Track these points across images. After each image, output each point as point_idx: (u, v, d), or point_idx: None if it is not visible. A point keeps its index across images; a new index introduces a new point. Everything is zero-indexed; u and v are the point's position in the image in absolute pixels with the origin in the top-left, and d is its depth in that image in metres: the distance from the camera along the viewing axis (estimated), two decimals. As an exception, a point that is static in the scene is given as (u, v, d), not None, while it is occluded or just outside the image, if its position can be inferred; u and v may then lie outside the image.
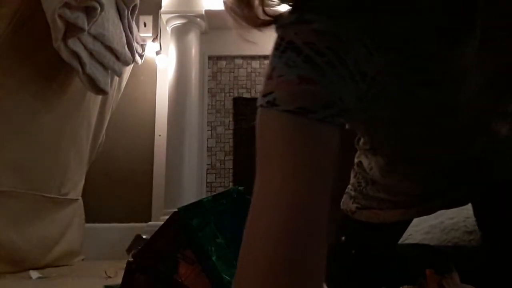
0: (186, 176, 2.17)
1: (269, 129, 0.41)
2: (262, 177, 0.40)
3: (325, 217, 0.40)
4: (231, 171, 2.37)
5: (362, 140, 0.72)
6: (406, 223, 0.83)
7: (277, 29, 0.46)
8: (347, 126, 0.60)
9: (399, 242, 0.91)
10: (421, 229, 1.00)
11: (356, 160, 0.81)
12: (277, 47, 0.44)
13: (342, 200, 0.85)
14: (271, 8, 0.48)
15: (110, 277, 1.27)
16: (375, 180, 0.76)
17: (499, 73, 0.51)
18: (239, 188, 1.23)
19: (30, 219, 1.56)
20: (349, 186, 0.84)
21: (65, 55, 1.45)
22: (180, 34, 2.31)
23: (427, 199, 0.74)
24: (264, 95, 0.42)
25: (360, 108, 0.46)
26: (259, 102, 0.43)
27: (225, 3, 0.50)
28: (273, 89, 0.42)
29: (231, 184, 2.34)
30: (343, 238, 0.82)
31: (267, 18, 0.48)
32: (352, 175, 0.83)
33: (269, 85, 0.42)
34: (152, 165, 2.34)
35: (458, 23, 0.44)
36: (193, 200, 0.77)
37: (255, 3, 0.48)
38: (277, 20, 0.47)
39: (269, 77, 0.43)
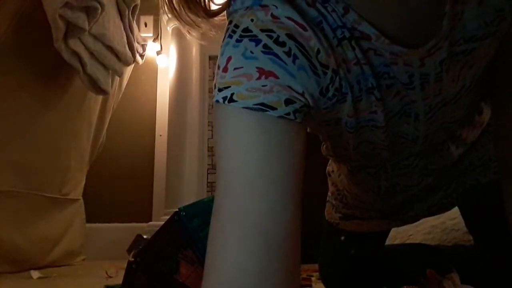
0: (186, 176, 2.17)
1: (227, 128, 0.38)
2: (222, 184, 0.37)
3: (297, 234, 0.37)
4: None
5: (324, 146, 0.68)
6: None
7: (230, 15, 0.42)
8: (308, 130, 0.57)
9: (401, 242, 0.91)
10: (422, 229, 1.00)
11: (328, 168, 0.79)
12: (231, 34, 0.40)
13: (326, 209, 0.84)
14: None
15: (111, 277, 1.27)
16: (346, 189, 0.74)
17: (460, 89, 0.49)
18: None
19: (31, 219, 1.56)
20: (329, 194, 0.82)
21: (65, 55, 1.45)
22: (180, 34, 2.31)
23: (404, 208, 0.72)
24: (220, 90, 0.38)
25: (322, 106, 0.43)
26: (215, 98, 0.39)
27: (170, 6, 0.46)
28: (230, 83, 0.38)
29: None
30: (342, 238, 0.82)
31: (217, 6, 0.44)
32: (329, 183, 0.81)
33: (225, 78, 0.39)
34: (152, 165, 2.34)
35: (422, 33, 0.41)
36: (194, 200, 0.77)
37: None
38: (229, 4, 0.43)
39: (224, 69, 0.39)
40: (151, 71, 2.42)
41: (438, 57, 0.43)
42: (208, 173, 2.35)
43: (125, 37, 1.82)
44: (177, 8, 0.45)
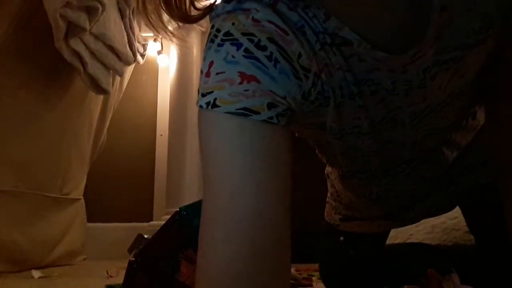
0: (187, 176, 2.17)
1: (211, 134, 0.38)
2: (208, 188, 0.37)
3: (285, 235, 0.37)
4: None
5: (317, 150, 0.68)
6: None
7: (212, 19, 0.42)
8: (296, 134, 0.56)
9: (402, 242, 0.91)
10: (423, 229, 1.00)
11: (327, 169, 0.79)
12: (213, 39, 0.40)
13: (325, 210, 0.84)
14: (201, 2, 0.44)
15: (111, 276, 1.27)
16: (342, 192, 0.73)
17: (449, 96, 0.48)
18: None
19: (32, 218, 1.56)
20: (328, 195, 0.82)
21: (66, 54, 1.45)
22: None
23: (403, 210, 0.71)
24: (203, 95, 0.39)
25: (306, 110, 0.43)
26: (198, 103, 0.39)
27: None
28: (212, 88, 0.38)
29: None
30: (341, 238, 0.82)
31: (199, 12, 0.44)
32: (328, 184, 0.80)
33: (207, 83, 0.39)
34: (153, 164, 2.34)
35: (405, 40, 0.41)
36: (194, 200, 0.77)
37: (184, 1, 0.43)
38: (211, 9, 0.43)
39: (206, 74, 0.39)
40: (152, 70, 2.42)
41: (422, 64, 0.43)
42: (208, 173, 2.35)
43: (125, 37, 1.82)
44: (150, 12, 0.45)
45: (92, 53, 1.58)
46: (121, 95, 2.20)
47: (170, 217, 0.72)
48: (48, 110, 1.59)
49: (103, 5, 1.45)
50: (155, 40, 2.39)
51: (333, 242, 0.84)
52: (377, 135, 0.50)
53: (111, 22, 1.65)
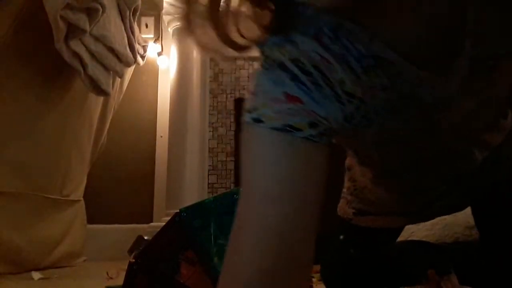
0: (187, 177, 2.17)
1: (254, 147, 0.41)
2: (247, 198, 0.41)
3: (311, 238, 0.41)
4: (232, 172, 2.37)
5: (348, 152, 0.71)
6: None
7: (261, 48, 0.45)
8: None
9: (402, 239, 0.91)
10: (423, 227, 1.00)
11: (347, 163, 0.79)
12: (263, 64, 0.44)
13: (339, 205, 0.84)
14: (246, 33, 0.47)
15: (111, 278, 1.27)
16: (367, 187, 0.75)
17: (483, 103, 0.51)
18: (241, 189, 1.21)
19: (32, 220, 1.56)
20: (344, 189, 0.82)
21: (66, 56, 1.46)
22: (181, 35, 2.31)
23: (424, 207, 0.73)
24: (250, 112, 0.42)
25: (348, 128, 0.46)
26: (244, 119, 0.42)
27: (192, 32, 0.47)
28: (258, 106, 0.41)
29: (232, 185, 2.34)
30: (341, 237, 0.82)
31: (246, 42, 0.46)
32: (346, 178, 0.81)
33: (254, 102, 0.42)
34: (153, 166, 2.34)
35: (445, 55, 0.44)
36: (194, 201, 0.77)
37: (229, 29, 0.46)
38: (259, 42, 0.46)
39: (254, 93, 0.43)
40: (152, 72, 2.42)
41: (461, 76, 0.45)
42: (209, 174, 2.35)
43: (126, 38, 1.83)
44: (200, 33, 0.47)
45: (92, 55, 1.58)
46: (121, 97, 2.20)
47: (170, 218, 0.72)
48: (48, 111, 1.59)
49: (103, 6, 1.45)
50: (155, 41, 2.39)
51: (332, 241, 0.84)
52: (415, 143, 0.54)
53: (111, 24, 1.65)
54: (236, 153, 2.38)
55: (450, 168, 0.63)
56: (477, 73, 0.46)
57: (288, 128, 0.40)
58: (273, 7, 0.45)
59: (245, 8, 0.45)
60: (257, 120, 0.41)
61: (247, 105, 0.43)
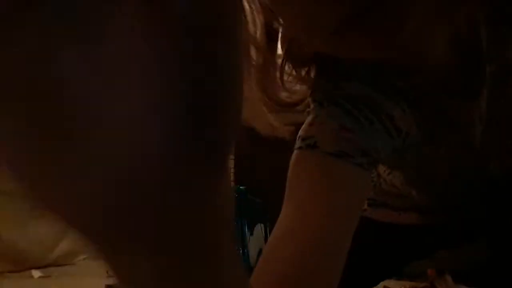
0: (187, 176, 2.18)
1: (306, 169, 0.46)
2: (294, 212, 0.45)
3: (345, 257, 0.45)
4: (232, 170, 2.37)
5: None
6: (422, 236, 0.79)
7: (314, 93, 0.50)
8: None
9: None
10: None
11: None
12: (318, 102, 0.48)
13: None
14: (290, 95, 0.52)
15: (112, 276, 1.27)
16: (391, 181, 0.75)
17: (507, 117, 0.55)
18: (241, 187, 1.22)
19: (32, 218, 1.56)
20: None
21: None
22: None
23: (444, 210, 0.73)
24: (304, 139, 0.46)
25: (393, 157, 0.51)
26: (297, 145, 0.47)
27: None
28: (314, 134, 0.46)
29: (232, 183, 2.34)
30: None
31: (293, 100, 0.52)
32: None
33: (310, 131, 0.47)
34: (153, 164, 2.34)
35: (470, 79, 0.49)
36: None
37: (277, 88, 0.51)
38: (311, 88, 0.51)
39: (310, 124, 0.47)
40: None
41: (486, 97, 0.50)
42: (209, 173, 2.36)
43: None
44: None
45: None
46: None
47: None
48: (48, 110, 1.59)
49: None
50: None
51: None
52: (449, 157, 0.58)
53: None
54: (236, 152, 2.38)
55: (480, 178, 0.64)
56: (499, 86, 0.50)
57: (341, 153, 0.44)
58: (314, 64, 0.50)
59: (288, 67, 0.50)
60: (313, 146, 0.45)
61: (303, 133, 0.47)
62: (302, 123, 0.49)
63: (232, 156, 2.38)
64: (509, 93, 0.51)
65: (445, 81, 0.48)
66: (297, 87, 0.53)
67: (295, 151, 0.47)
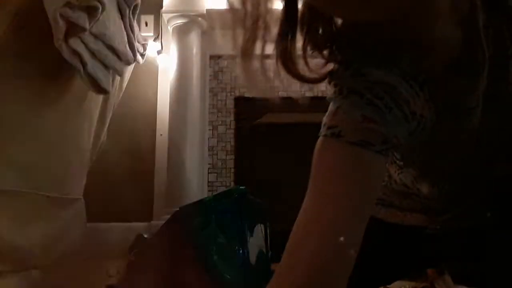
0: (187, 176, 2.18)
1: (330, 156, 0.49)
2: (316, 197, 0.48)
3: (363, 224, 0.47)
4: (232, 170, 2.37)
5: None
6: (426, 242, 0.79)
7: (335, 80, 0.53)
8: None
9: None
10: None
11: None
12: (340, 92, 0.51)
13: None
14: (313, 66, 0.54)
15: (111, 276, 1.27)
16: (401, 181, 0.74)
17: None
18: (241, 187, 1.22)
19: (32, 218, 1.56)
20: None
21: (66, 54, 1.45)
22: (181, 33, 2.31)
23: (454, 208, 0.73)
24: (330, 128, 0.49)
25: (409, 141, 0.53)
26: (322, 132, 0.50)
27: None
28: (338, 124, 0.49)
29: (232, 183, 2.34)
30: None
31: (315, 75, 0.54)
32: None
33: (334, 120, 0.50)
34: (153, 164, 2.34)
35: (473, 55, 0.52)
36: (194, 200, 0.77)
37: (299, 64, 0.53)
38: (331, 75, 0.54)
39: (334, 114, 0.50)
40: (152, 70, 2.42)
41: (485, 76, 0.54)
42: (208, 173, 2.35)
43: (125, 37, 1.82)
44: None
45: (92, 53, 1.58)
46: (121, 95, 2.20)
47: (170, 217, 0.72)
48: (48, 110, 1.59)
49: (103, 4, 1.45)
50: (155, 40, 2.39)
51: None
52: (459, 143, 0.59)
53: (110, 22, 1.65)
54: (236, 152, 2.38)
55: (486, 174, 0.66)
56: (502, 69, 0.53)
57: (363, 142, 0.47)
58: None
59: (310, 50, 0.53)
60: (337, 135, 0.48)
61: (328, 121, 0.50)
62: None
63: (231, 156, 2.39)
64: (507, 77, 0.54)
65: (452, 57, 0.51)
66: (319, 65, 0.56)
67: (321, 138, 0.50)
